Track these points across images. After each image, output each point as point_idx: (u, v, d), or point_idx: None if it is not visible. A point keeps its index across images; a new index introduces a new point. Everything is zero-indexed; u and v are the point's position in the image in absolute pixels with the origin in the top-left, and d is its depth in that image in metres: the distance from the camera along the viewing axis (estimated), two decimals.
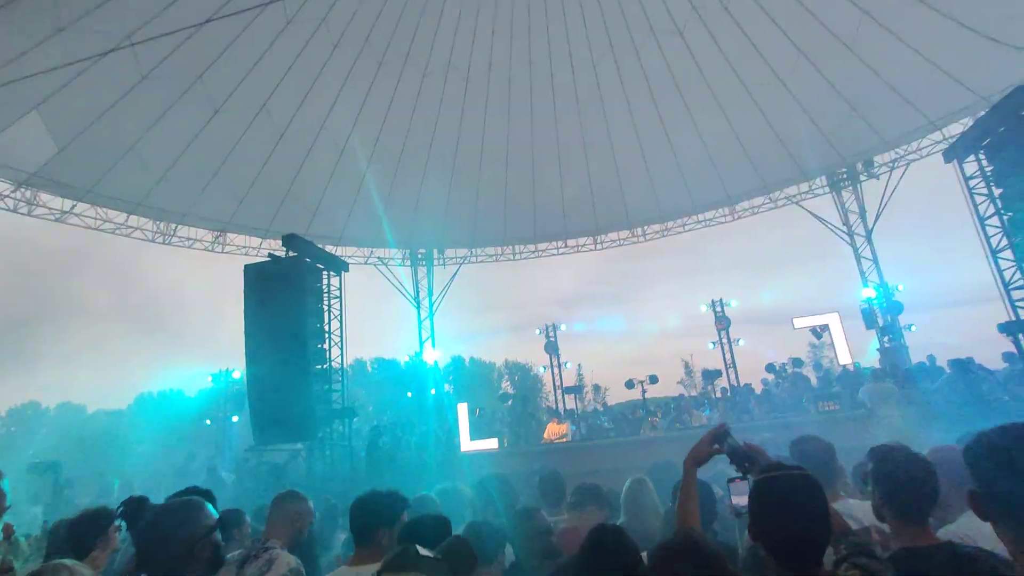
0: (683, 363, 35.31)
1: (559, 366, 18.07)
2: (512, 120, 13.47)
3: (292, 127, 12.34)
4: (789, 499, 1.56)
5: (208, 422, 17.09)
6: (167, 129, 11.19)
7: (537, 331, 18.50)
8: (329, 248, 12.49)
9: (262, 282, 9.24)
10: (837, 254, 14.35)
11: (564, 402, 15.14)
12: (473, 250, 16.71)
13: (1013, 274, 8.37)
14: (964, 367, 8.42)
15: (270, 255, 10.49)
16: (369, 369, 46.34)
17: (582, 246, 16.49)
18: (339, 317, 10.88)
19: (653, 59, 12.27)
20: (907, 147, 12.56)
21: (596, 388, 28.79)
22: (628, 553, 1.82)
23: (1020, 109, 7.89)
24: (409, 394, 14.42)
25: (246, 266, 9.65)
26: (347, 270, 11.64)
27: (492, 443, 10.03)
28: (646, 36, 11.95)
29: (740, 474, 2.10)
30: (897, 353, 11.68)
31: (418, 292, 16.76)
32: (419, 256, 16.81)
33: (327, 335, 10.18)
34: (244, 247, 14.00)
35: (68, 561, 2.24)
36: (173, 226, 13.12)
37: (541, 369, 17.54)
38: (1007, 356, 8.85)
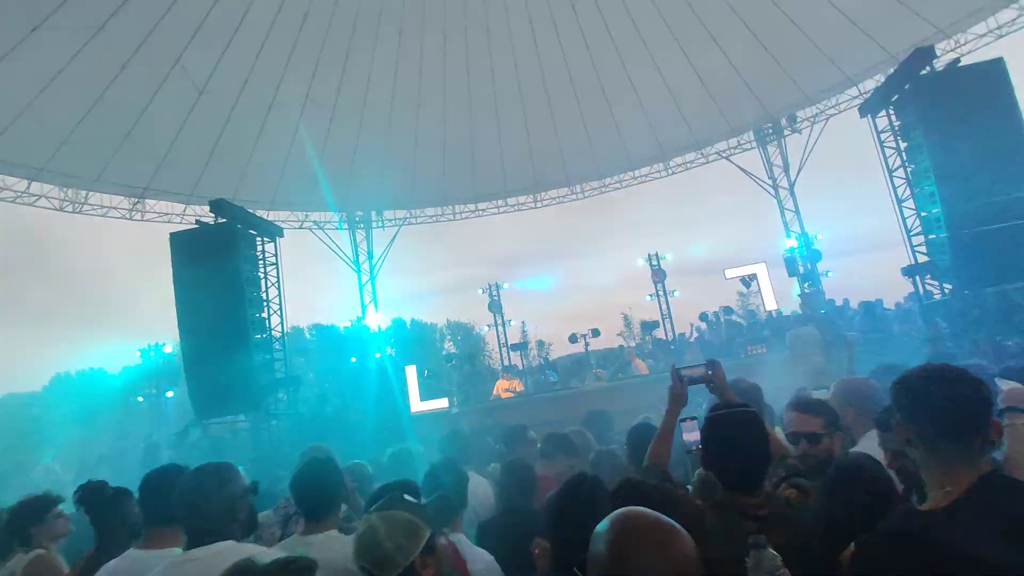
0: (622, 316, 36.52)
1: (503, 324, 18.32)
2: (448, 75, 13.11)
3: (212, 83, 11.48)
4: (736, 433, 1.79)
5: (140, 399, 16.24)
6: (66, 85, 10.17)
7: (480, 290, 18.61)
8: (260, 213, 11.95)
9: (192, 251, 8.79)
10: (763, 207, 15.12)
11: (510, 359, 15.45)
12: (412, 212, 16.43)
13: (914, 221, 9.19)
14: (870, 308, 9.62)
15: (198, 222, 9.93)
16: (307, 336, 45.18)
17: (521, 204, 16.54)
18: (276, 284, 10.56)
19: (589, 12, 12.18)
20: (827, 102, 13.23)
21: (540, 344, 29.48)
22: (601, 501, 1.95)
23: (920, 69, 8.49)
24: (353, 359, 14.23)
25: (172, 234, 9.12)
26: (282, 235, 11.24)
27: (442, 403, 10.18)
28: None
29: (690, 415, 2.35)
30: (815, 298, 12.59)
31: (357, 256, 16.39)
32: (357, 219, 16.36)
33: (265, 303, 9.89)
34: (166, 214, 13.14)
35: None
36: (83, 193, 12.10)
37: (484, 328, 17.69)
38: (911, 296, 9.84)
